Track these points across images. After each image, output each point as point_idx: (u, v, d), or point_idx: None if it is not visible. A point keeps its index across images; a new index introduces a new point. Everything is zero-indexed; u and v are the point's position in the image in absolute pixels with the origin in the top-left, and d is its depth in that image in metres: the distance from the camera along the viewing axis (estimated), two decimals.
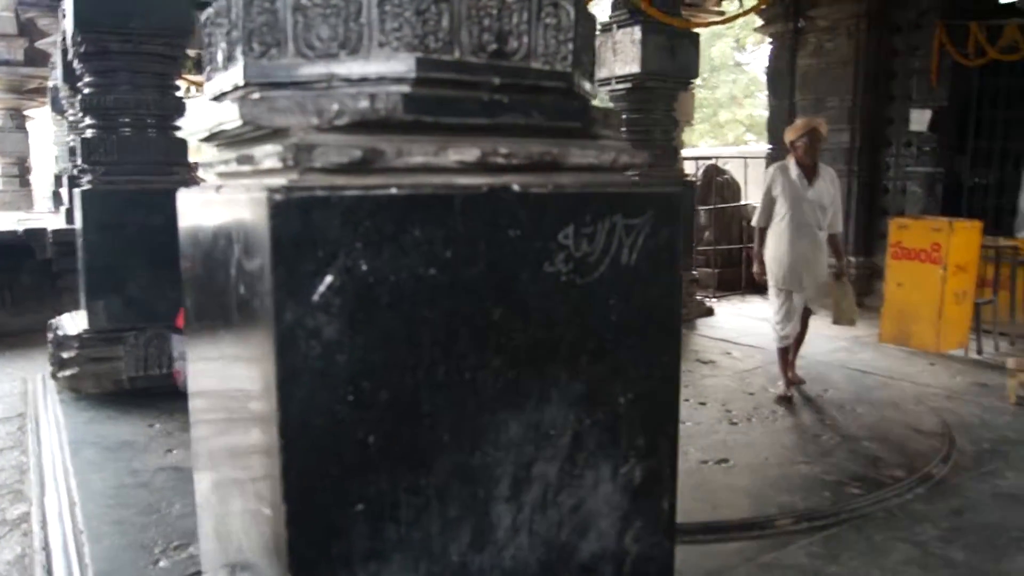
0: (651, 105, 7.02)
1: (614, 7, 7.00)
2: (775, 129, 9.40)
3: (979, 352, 5.99)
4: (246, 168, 1.33)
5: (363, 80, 1.26)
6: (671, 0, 6.95)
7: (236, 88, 1.33)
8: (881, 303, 8.12)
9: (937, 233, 5.82)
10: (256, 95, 1.28)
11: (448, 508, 1.32)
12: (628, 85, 6.87)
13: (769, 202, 4.62)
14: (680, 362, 1.62)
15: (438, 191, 1.25)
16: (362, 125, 1.22)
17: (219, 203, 1.37)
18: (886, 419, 4.29)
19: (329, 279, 1.17)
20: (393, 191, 1.20)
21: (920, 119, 7.92)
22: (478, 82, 1.31)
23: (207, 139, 1.49)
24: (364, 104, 1.20)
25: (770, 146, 9.60)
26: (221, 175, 1.49)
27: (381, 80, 1.26)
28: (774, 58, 9.31)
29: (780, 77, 9.28)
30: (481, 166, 1.31)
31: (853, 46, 8.31)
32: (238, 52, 1.30)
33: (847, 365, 5.61)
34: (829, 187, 4.64)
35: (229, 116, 1.28)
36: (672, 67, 6.86)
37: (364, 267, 1.19)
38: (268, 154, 1.24)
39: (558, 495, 1.44)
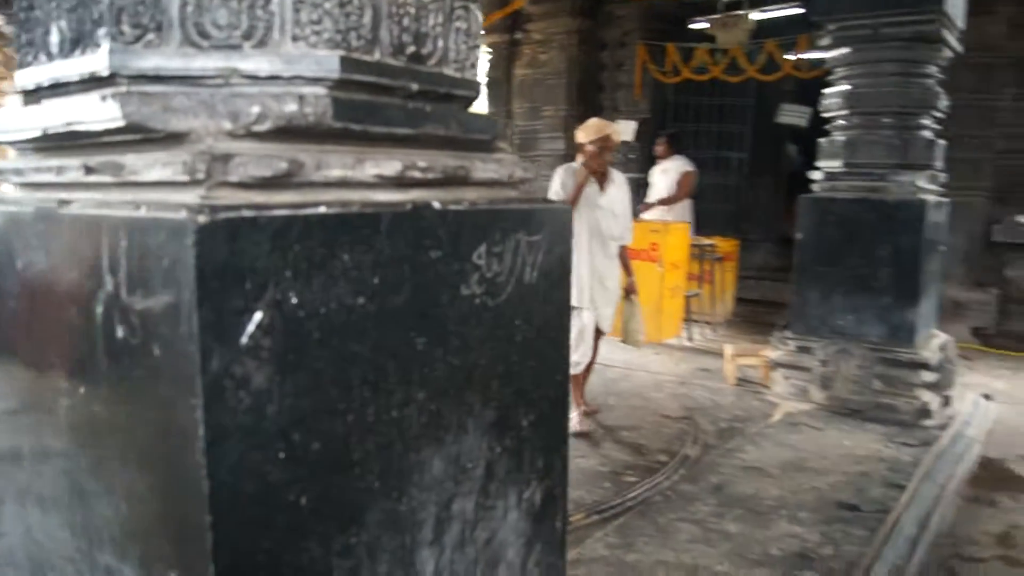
0: None
1: None
2: None
3: (690, 340, 6.77)
4: (105, 179, 1.07)
5: (273, 79, 1.07)
6: None
7: (93, 80, 1.06)
8: None
9: (655, 234, 6.46)
10: (129, 89, 1.04)
11: (378, 565, 1.17)
12: None
13: None
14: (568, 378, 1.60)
15: (364, 210, 1.10)
16: (284, 132, 1.04)
17: (66, 222, 1.08)
18: (636, 408, 4.67)
19: (259, 316, 0.97)
20: (322, 210, 1.04)
21: (625, 129, 8.73)
22: (397, 87, 1.18)
23: (23, 141, 1.17)
24: (292, 107, 1.02)
25: None
26: (39, 185, 1.19)
27: (294, 80, 1.08)
28: (492, 67, 9.70)
29: (498, 86, 9.71)
30: (398, 181, 1.18)
31: (566, 59, 8.94)
32: (100, 34, 1.04)
33: None
34: (621, 194, 4.35)
35: (95, 114, 1.01)
36: None
37: (294, 300, 1.01)
38: (154, 163, 1.01)
39: (474, 530, 1.35)
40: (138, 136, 1.03)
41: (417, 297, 1.19)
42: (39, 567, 1.22)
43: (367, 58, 1.13)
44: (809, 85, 8.32)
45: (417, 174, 1.21)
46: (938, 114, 4.60)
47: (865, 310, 4.53)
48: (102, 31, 1.04)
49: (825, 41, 4.66)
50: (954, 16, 4.42)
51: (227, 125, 1.01)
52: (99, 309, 1.04)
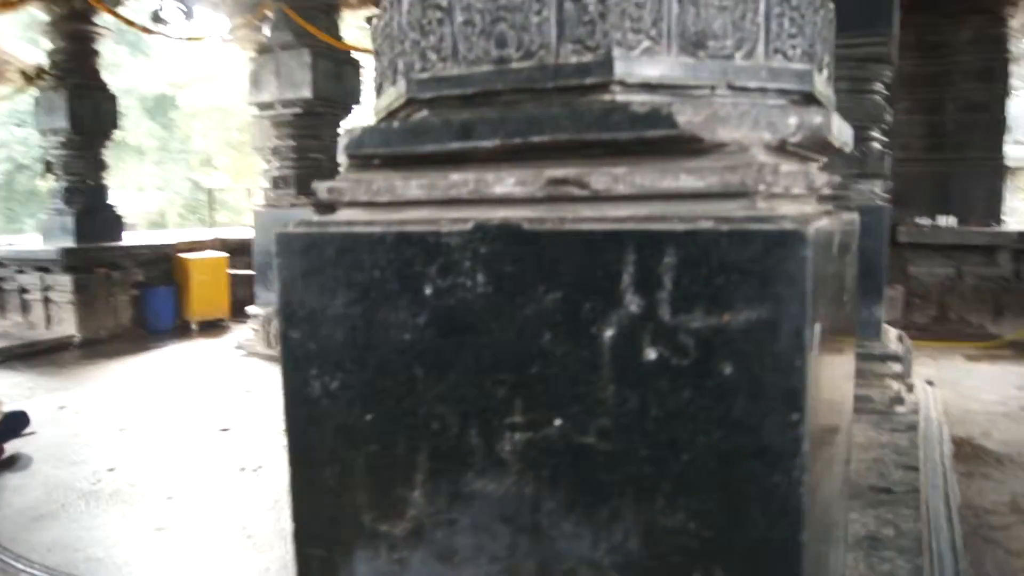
0: (321, 131, 6.74)
1: (274, 27, 6.56)
2: None
3: None
4: (573, 192, 1.01)
5: (760, 91, 1.06)
6: (333, 24, 6.77)
7: (582, 88, 1.01)
8: None
9: None
10: (657, 98, 0.99)
11: None
12: (298, 110, 6.50)
13: None
14: None
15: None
16: (801, 145, 1.03)
17: (546, 239, 1.01)
18: None
19: (818, 327, 0.96)
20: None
21: None
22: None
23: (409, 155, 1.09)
24: (817, 120, 1.01)
25: None
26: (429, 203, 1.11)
27: (774, 93, 1.07)
28: None
29: None
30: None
31: None
32: (609, 40, 0.99)
33: None
34: None
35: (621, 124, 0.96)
36: (339, 92, 6.68)
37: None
38: (679, 172, 0.97)
39: None
40: (693, 146, 0.98)
41: None
42: None
43: (820, 74, 1.14)
44: None
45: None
46: (885, 127, 5.03)
47: None
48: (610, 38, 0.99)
49: None
50: (896, 36, 4.86)
51: (767, 136, 0.99)
52: (608, 332, 0.98)
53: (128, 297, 7.96)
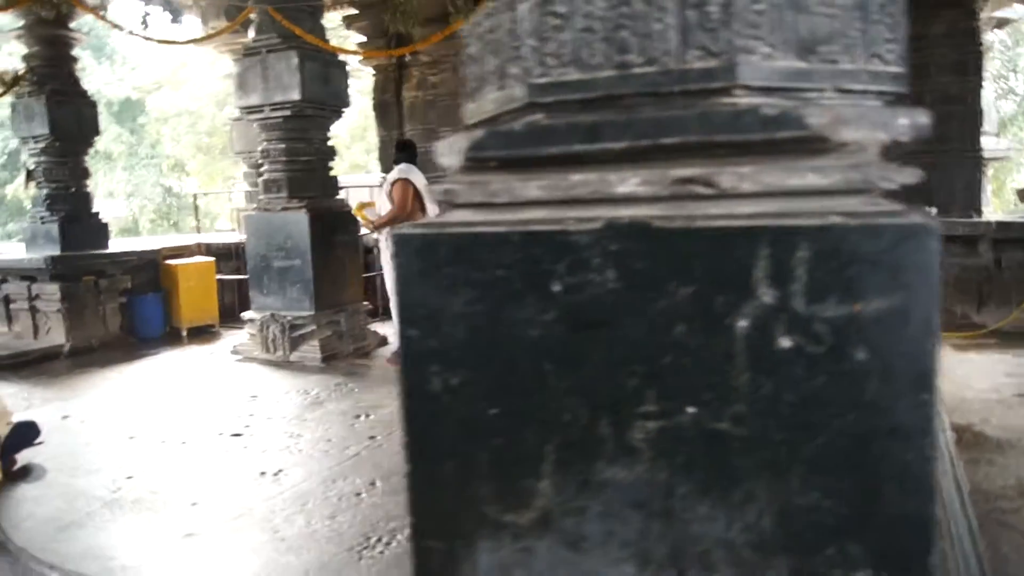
0: (310, 134, 6.74)
1: (259, 29, 6.54)
2: (386, 157, 9.73)
3: None
4: (698, 191, 1.07)
5: (863, 93, 1.12)
6: (319, 26, 6.76)
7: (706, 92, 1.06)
8: None
9: None
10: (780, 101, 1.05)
11: None
12: (287, 113, 6.48)
13: None
14: None
15: None
16: (896, 145, 1.09)
17: (677, 236, 1.06)
18: None
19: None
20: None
21: None
22: None
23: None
24: (924, 120, 1.07)
25: (383, 175, 9.88)
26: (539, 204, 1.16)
27: (880, 94, 1.13)
28: (380, 90, 9.60)
29: (387, 108, 9.62)
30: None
31: (459, 81, 9.00)
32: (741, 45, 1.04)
33: None
34: None
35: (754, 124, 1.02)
36: (327, 94, 6.68)
37: None
38: (802, 170, 1.03)
39: None
40: (818, 146, 1.04)
41: None
42: None
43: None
44: None
45: None
46: None
47: None
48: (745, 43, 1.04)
49: None
50: None
51: (882, 136, 1.05)
52: (742, 323, 1.04)
53: (116, 304, 7.88)
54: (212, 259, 8.40)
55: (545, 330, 1.14)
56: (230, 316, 8.70)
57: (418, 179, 6.26)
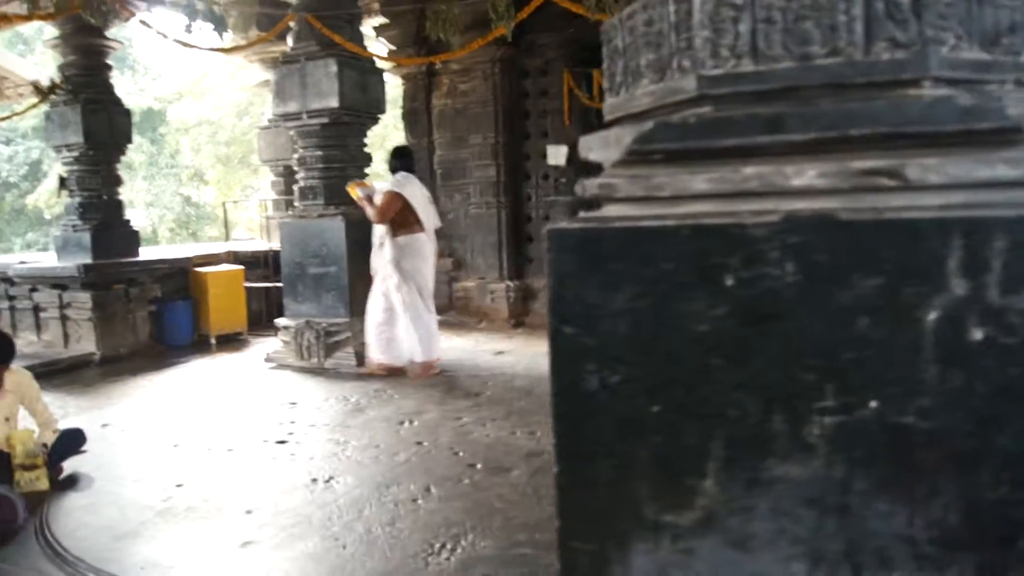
0: (347, 141, 6.75)
1: (298, 37, 6.57)
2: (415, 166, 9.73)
3: None
4: (881, 183, 1.05)
5: None
6: (358, 33, 6.79)
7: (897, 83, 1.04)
8: (539, 321, 8.99)
9: None
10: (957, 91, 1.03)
11: None
12: (324, 120, 6.50)
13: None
14: None
15: None
16: None
17: (867, 229, 1.04)
18: None
19: None
20: None
21: (557, 154, 8.94)
22: None
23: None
24: None
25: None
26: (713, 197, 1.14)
27: None
28: (409, 99, 9.60)
29: (416, 116, 9.64)
30: None
31: (490, 88, 9.03)
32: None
33: None
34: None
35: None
36: (364, 102, 6.69)
37: None
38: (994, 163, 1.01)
39: None
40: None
41: None
42: None
43: None
44: None
45: None
46: None
47: None
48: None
49: None
50: None
51: None
52: (932, 315, 1.02)
53: (145, 313, 7.89)
54: (241, 267, 8.41)
55: (715, 324, 1.12)
56: (257, 324, 8.71)
57: (414, 191, 6.19)
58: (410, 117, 9.57)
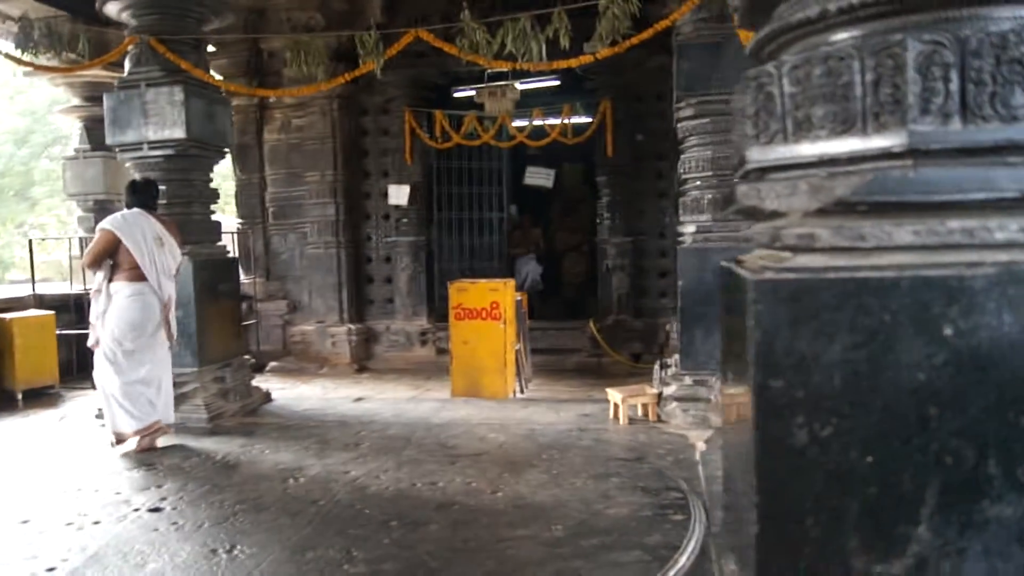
0: (192, 175, 6.26)
1: (138, 61, 6.02)
2: (246, 202, 9.22)
3: (522, 391, 7.10)
4: None
5: None
6: (204, 60, 6.36)
7: None
8: (383, 365, 8.77)
9: (495, 293, 6.71)
10: None
11: None
12: (169, 151, 6.00)
13: None
14: None
15: None
16: None
17: None
18: (591, 457, 4.86)
19: None
20: None
21: (399, 194, 8.85)
22: None
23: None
24: None
25: (240, 219, 9.34)
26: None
27: None
28: (239, 132, 9.10)
29: (247, 151, 9.15)
30: None
31: (329, 124, 8.78)
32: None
33: (454, 422, 5.92)
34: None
35: None
36: (212, 133, 6.27)
37: None
38: None
39: None
40: None
41: None
42: None
43: None
44: (549, 149, 9.31)
45: None
46: None
47: None
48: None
49: (686, 113, 5.45)
50: None
51: None
52: None
53: None
54: (51, 312, 7.47)
55: (932, 373, 1.15)
56: (68, 375, 7.77)
57: (135, 231, 5.15)
58: (240, 152, 9.06)
